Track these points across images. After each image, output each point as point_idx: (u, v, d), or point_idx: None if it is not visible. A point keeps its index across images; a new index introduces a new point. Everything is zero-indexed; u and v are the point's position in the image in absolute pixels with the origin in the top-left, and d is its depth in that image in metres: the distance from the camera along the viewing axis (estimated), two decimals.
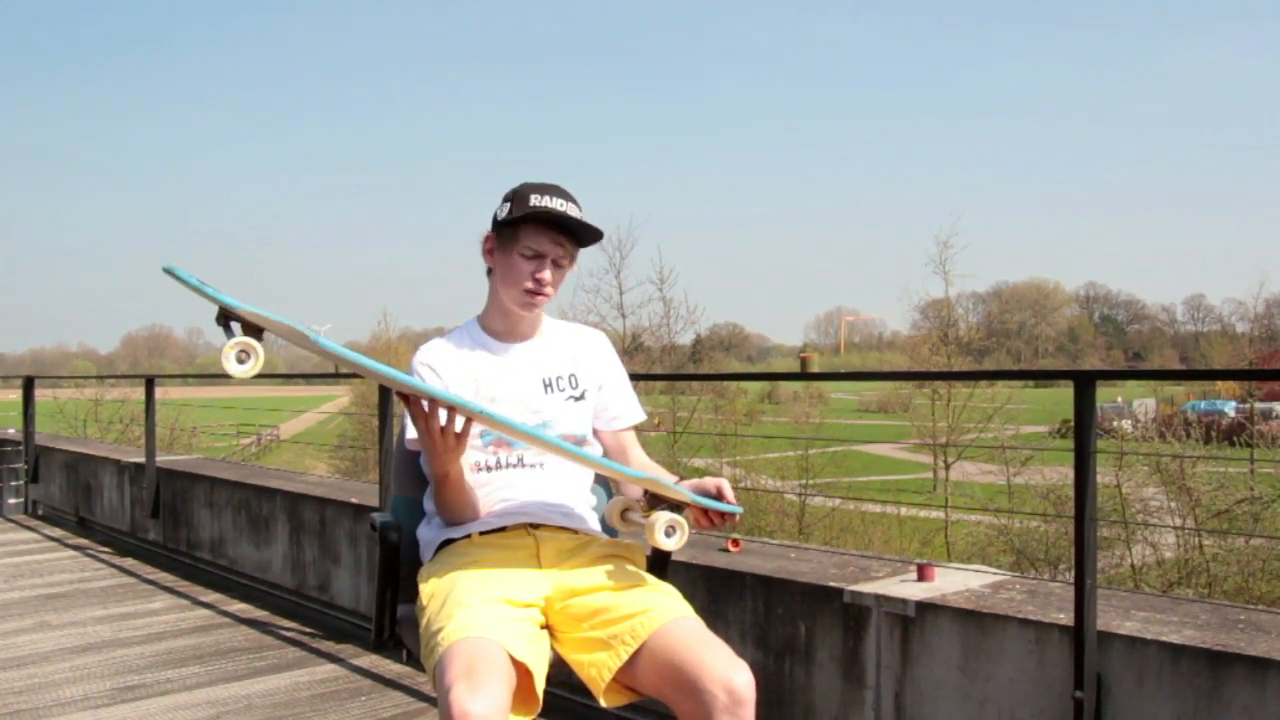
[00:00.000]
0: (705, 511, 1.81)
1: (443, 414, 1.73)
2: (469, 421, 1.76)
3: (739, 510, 1.82)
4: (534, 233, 1.96)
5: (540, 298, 1.99)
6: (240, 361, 1.43)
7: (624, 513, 1.91)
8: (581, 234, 2.00)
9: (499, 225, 2.00)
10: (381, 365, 1.66)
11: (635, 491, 1.97)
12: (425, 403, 1.72)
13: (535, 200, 1.94)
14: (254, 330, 1.46)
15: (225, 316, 1.45)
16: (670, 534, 1.76)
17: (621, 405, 2.12)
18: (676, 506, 1.79)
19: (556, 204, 1.95)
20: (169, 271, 1.42)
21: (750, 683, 1.60)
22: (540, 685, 1.64)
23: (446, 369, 2.00)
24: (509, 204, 1.98)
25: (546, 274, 1.97)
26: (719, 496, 1.81)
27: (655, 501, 1.81)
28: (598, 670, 1.71)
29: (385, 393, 4.21)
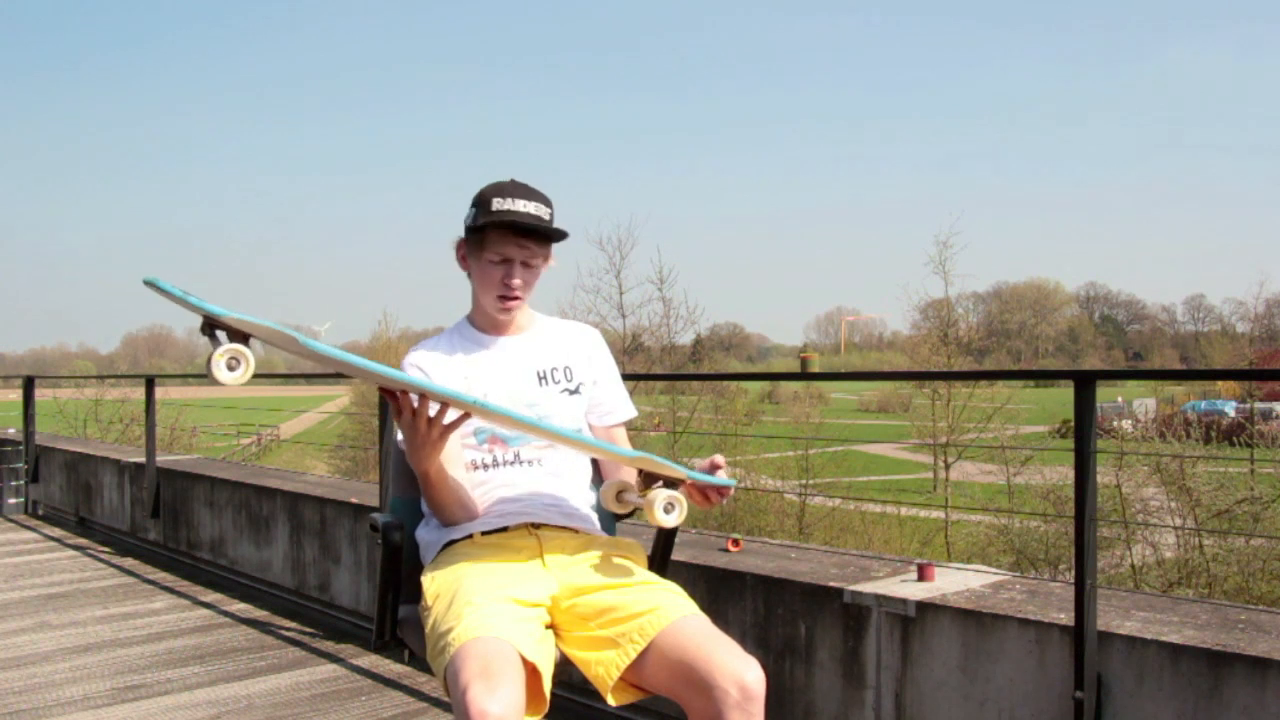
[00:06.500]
0: (702, 490, 1.82)
1: (433, 407, 1.73)
2: (453, 424, 1.76)
3: (733, 484, 1.83)
4: (498, 239, 1.96)
5: (514, 302, 2.00)
6: (230, 369, 1.40)
7: (619, 494, 1.91)
8: (547, 232, 1.99)
9: (467, 232, 2.01)
10: (372, 363, 1.65)
11: (629, 475, 1.98)
12: (415, 396, 1.73)
13: (496, 204, 1.94)
14: (241, 337, 1.43)
15: (211, 325, 1.42)
16: (669, 510, 1.76)
17: (614, 401, 2.13)
18: (672, 485, 1.80)
19: (518, 205, 1.94)
20: (150, 284, 1.39)
21: (761, 679, 1.61)
22: (548, 685, 1.64)
23: (435, 368, 2.01)
24: (475, 209, 1.98)
25: (516, 280, 1.98)
26: (713, 472, 1.83)
27: (651, 481, 1.81)
28: (605, 669, 1.71)
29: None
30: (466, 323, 2.10)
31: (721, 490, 1.82)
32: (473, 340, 2.07)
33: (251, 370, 1.41)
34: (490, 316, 2.05)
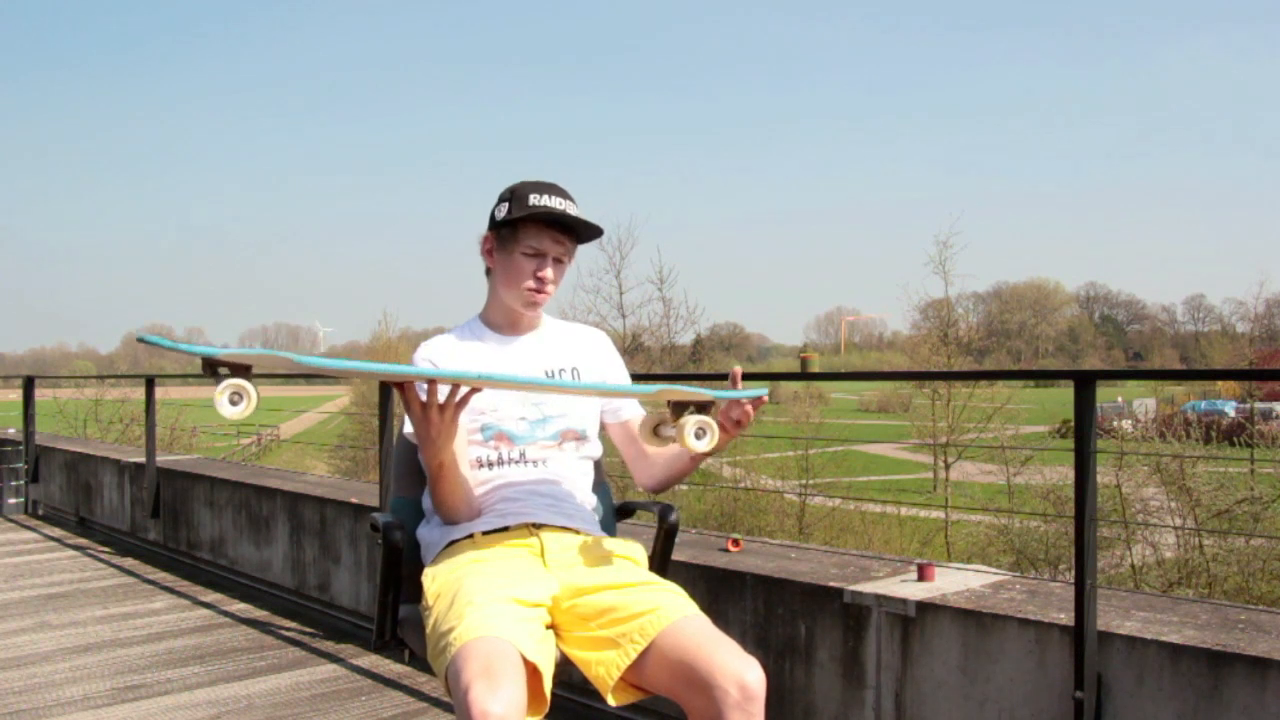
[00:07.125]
0: (734, 418, 1.82)
1: (441, 392, 1.74)
2: (463, 400, 1.77)
3: (764, 393, 1.83)
4: (535, 232, 1.99)
5: (542, 296, 2.03)
6: (233, 403, 1.45)
7: (656, 428, 1.92)
8: (581, 231, 2.03)
9: (498, 225, 2.02)
10: (369, 364, 1.67)
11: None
12: (423, 387, 1.74)
13: (534, 199, 1.97)
14: (241, 370, 1.47)
15: (210, 364, 1.47)
16: (700, 436, 1.77)
17: (625, 399, 2.13)
18: (703, 410, 1.79)
19: (555, 202, 1.98)
20: (144, 340, 1.44)
21: (761, 679, 1.62)
22: (549, 685, 1.64)
23: (446, 361, 2.03)
24: (507, 204, 2.01)
25: (548, 272, 2.01)
26: (735, 386, 1.83)
27: (680, 410, 1.80)
28: (606, 669, 1.71)
29: (386, 392, 4.21)
30: (478, 320, 2.12)
31: (755, 404, 1.82)
32: (483, 337, 2.09)
33: (253, 402, 1.44)
34: (508, 313, 2.08)
